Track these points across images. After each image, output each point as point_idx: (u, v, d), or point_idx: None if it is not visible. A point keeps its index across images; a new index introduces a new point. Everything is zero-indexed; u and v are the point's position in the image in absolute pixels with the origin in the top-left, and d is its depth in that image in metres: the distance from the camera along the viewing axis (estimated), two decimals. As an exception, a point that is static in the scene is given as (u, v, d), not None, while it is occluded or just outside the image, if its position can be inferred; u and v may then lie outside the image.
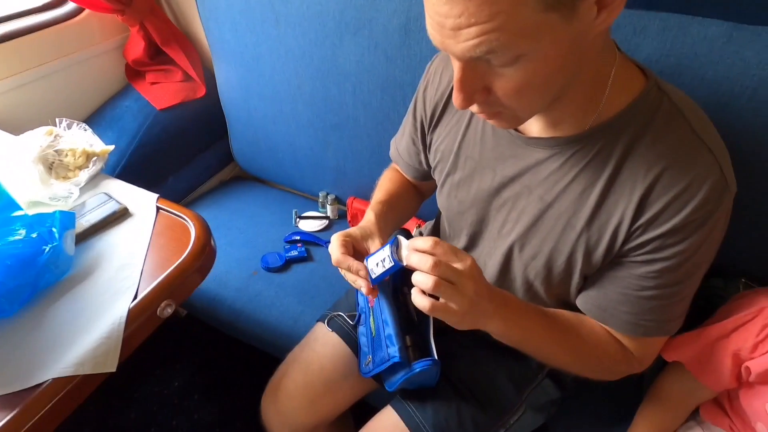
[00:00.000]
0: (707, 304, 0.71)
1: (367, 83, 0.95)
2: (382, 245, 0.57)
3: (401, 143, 0.77)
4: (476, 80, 0.44)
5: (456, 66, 0.43)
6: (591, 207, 0.52)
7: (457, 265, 0.48)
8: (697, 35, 0.65)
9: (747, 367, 0.60)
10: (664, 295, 0.53)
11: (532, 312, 0.56)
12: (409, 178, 0.80)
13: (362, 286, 0.58)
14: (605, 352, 0.58)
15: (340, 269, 0.61)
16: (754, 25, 0.62)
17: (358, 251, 0.62)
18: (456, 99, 0.45)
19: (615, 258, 0.54)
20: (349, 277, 0.60)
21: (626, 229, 0.51)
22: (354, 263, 0.58)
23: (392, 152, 0.80)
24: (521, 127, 0.57)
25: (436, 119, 0.67)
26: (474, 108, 0.48)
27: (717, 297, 0.73)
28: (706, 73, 0.66)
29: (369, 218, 0.67)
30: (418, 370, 0.62)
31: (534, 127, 0.55)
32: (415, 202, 0.83)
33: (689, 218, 0.47)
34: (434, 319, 0.58)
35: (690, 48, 0.66)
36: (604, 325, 0.59)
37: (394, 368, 0.65)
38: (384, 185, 0.79)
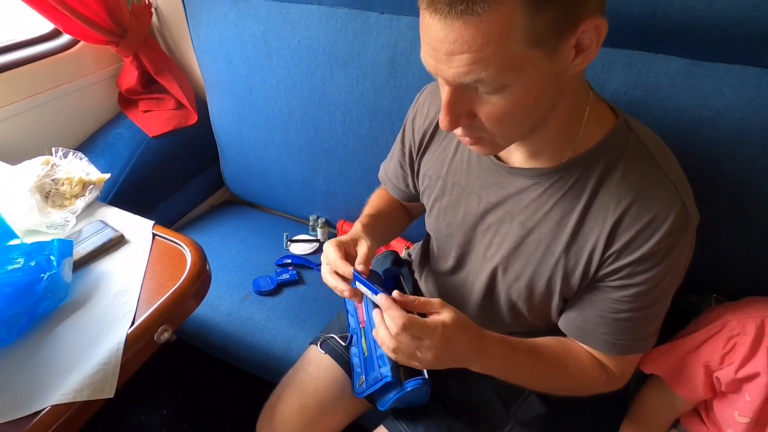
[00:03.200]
0: (681, 319, 0.75)
1: (356, 112, 1.00)
2: (370, 247, 0.62)
3: (389, 167, 0.81)
4: (463, 104, 0.48)
5: (445, 90, 0.47)
6: (568, 233, 0.57)
7: (425, 342, 0.51)
8: (660, 70, 0.72)
9: (717, 377, 0.64)
10: (638, 317, 0.57)
11: (516, 353, 0.59)
12: (397, 198, 0.84)
13: (345, 290, 0.60)
14: (590, 377, 0.62)
15: (328, 280, 0.62)
16: (709, 62, 0.69)
17: (349, 255, 0.64)
18: (443, 120, 0.49)
19: (592, 283, 0.58)
20: (330, 282, 0.62)
21: (599, 255, 0.55)
22: (340, 284, 0.60)
23: (381, 174, 0.84)
24: (504, 157, 0.61)
25: (424, 146, 0.71)
26: (458, 131, 0.52)
27: (691, 312, 0.77)
28: (668, 104, 0.72)
29: (356, 228, 0.71)
30: (409, 389, 0.64)
31: (516, 157, 0.60)
32: (404, 220, 0.86)
33: (656, 247, 0.52)
34: None
35: (654, 82, 0.72)
36: (583, 345, 0.62)
37: (386, 388, 0.67)
38: (373, 201, 0.83)
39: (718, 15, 0.63)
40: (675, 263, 0.54)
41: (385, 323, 0.53)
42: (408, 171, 0.76)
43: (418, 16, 0.86)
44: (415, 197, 0.79)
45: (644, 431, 0.73)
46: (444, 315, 0.53)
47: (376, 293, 0.55)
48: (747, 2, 0.61)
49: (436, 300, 0.55)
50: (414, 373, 0.65)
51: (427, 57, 0.45)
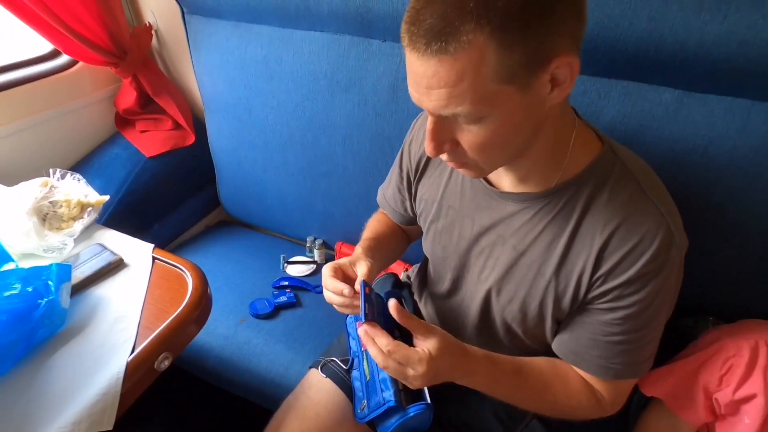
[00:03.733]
0: (679, 342, 0.76)
1: (356, 135, 1.01)
2: (370, 267, 0.64)
3: (388, 191, 0.82)
4: (445, 132, 0.51)
5: (429, 119, 0.50)
6: (558, 256, 0.58)
7: (409, 371, 0.55)
8: (654, 100, 0.74)
9: (716, 399, 0.65)
10: (630, 340, 0.57)
11: (498, 371, 0.60)
12: (395, 222, 0.85)
13: (344, 289, 0.61)
14: (577, 401, 0.62)
15: (330, 298, 0.64)
16: (700, 93, 0.72)
17: (348, 277, 0.66)
18: (427, 147, 0.52)
19: (582, 306, 0.59)
20: (335, 299, 0.63)
21: (588, 278, 0.56)
22: (339, 284, 0.62)
23: (380, 198, 0.85)
24: (495, 182, 0.63)
25: (420, 171, 0.72)
26: (444, 157, 0.55)
27: (688, 335, 0.79)
28: (662, 133, 0.75)
29: (356, 251, 0.71)
30: (412, 414, 0.63)
31: (505, 181, 0.62)
32: (403, 243, 0.87)
33: (642, 270, 0.53)
34: None
35: (648, 111, 0.75)
36: (577, 369, 0.63)
37: (388, 413, 0.66)
38: (372, 225, 0.84)
39: (707, 51, 0.66)
40: (663, 286, 0.54)
41: (374, 342, 0.56)
42: (406, 195, 0.77)
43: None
44: (413, 220, 0.81)
45: (648, 457, 0.73)
46: (429, 343, 0.55)
47: (361, 318, 0.57)
48: (735, 40, 0.64)
49: (423, 324, 0.57)
50: (417, 397, 0.65)
51: (411, 89, 0.49)
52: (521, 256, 0.61)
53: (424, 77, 0.45)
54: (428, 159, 0.71)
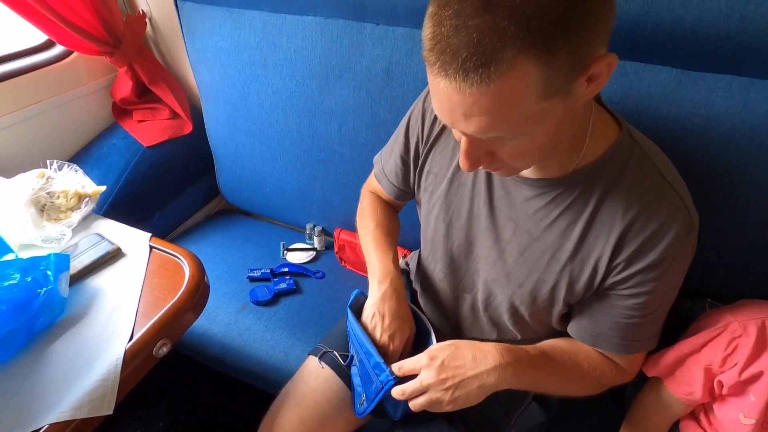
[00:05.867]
0: (677, 323, 0.76)
1: (352, 122, 1.00)
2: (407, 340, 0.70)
3: (388, 163, 0.79)
4: (481, 149, 0.49)
5: (463, 139, 0.48)
6: (574, 242, 0.58)
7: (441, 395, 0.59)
8: (651, 80, 0.73)
9: (719, 381, 0.65)
10: (648, 320, 0.60)
11: (537, 366, 0.62)
12: (387, 196, 0.83)
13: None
14: (601, 371, 0.65)
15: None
16: (699, 72, 0.70)
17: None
18: (463, 165, 0.50)
19: (603, 291, 0.60)
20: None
21: (606, 263, 0.57)
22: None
23: (377, 172, 0.83)
24: None
25: (432, 142, 0.70)
26: (480, 168, 0.53)
27: (686, 317, 0.78)
28: (661, 113, 0.74)
29: (398, 291, 0.72)
30: None
31: None
32: (398, 225, 0.87)
33: (664, 254, 0.54)
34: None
35: (646, 91, 0.74)
36: (595, 348, 0.65)
37: (390, 396, 0.66)
38: (378, 219, 0.82)
39: (706, 28, 0.64)
40: (681, 267, 0.57)
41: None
42: (411, 165, 0.75)
43: (413, 27, 0.88)
44: (406, 196, 0.80)
45: (642, 437, 0.73)
46: (420, 358, 0.60)
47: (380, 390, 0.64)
48: (734, 16, 0.62)
49: (418, 363, 0.61)
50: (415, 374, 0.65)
51: (443, 114, 0.46)
52: (535, 241, 0.61)
53: (461, 106, 0.43)
54: (441, 131, 0.69)
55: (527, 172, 0.60)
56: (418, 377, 0.60)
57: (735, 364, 0.63)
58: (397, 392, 0.61)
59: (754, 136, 0.69)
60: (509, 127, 0.44)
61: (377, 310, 0.69)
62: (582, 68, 0.42)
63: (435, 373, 0.58)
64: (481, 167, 0.53)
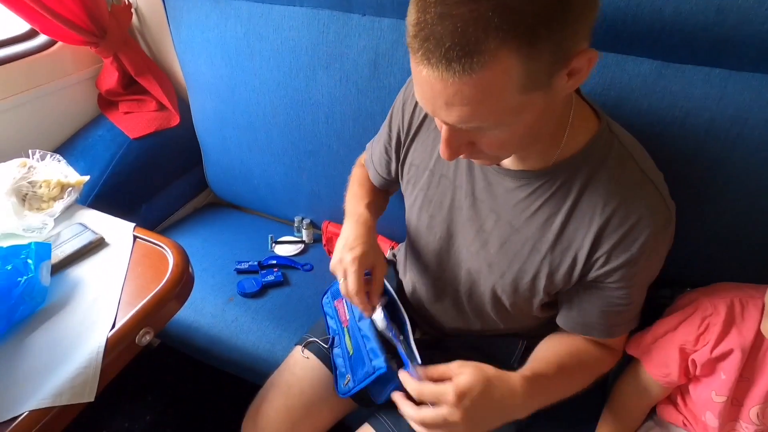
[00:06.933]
0: (656, 312, 0.78)
1: (339, 113, 1.00)
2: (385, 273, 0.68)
3: (375, 150, 0.81)
4: (461, 138, 0.50)
5: (444, 128, 0.49)
6: (554, 233, 0.59)
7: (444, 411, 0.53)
8: (632, 72, 0.74)
9: (693, 360, 0.67)
10: (632, 305, 0.63)
11: (556, 384, 0.62)
12: (374, 184, 0.85)
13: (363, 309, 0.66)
14: (600, 360, 0.68)
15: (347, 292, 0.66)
16: (678, 64, 0.71)
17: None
18: (443, 153, 0.51)
19: (588, 283, 0.61)
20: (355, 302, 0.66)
21: (585, 255, 0.58)
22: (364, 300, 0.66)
23: (366, 158, 0.85)
24: None
25: (413, 134, 0.71)
26: (461, 157, 0.54)
27: (665, 306, 0.80)
28: (641, 105, 0.75)
29: (365, 218, 0.73)
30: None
31: (505, 159, 0.62)
32: (386, 202, 0.88)
33: (644, 247, 0.55)
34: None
35: (626, 83, 0.75)
36: (587, 337, 0.67)
37: (380, 380, 0.67)
38: (365, 186, 0.84)
39: (684, 19, 0.65)
40: (660, 255, 0.59)
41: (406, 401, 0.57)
42: (393, 156, 0.76)
43: (399, 18, 0.88)
44: (392, 185, 0.81)
45: (620, 419, 0.75)
46: (460, 379, 0.53)
47: (406, 365, 0.60)
48: (711, 7, 0.63)
49: (445, 368, 0.56)
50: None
51: (424, 102, 0.46)
52: (516, 232, 0.62)
53: (443, 94, 0.43)
54: (422, 122, 0.70)
55: (509, 164, 0.61)
56: (439, 411, 0.53)
57: (707, 343, 0.65)
58: (412, 415, 0.56)
59: (732, 126, 0.70)
60: (489, 118, 0.44)
61: (345, 243, 0.68)
62: (563, 62, 0.42)
63: (461, 413, 0.52)
64: (461, 156, 0.53)
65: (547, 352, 0.67)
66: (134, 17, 1.20)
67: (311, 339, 0.83)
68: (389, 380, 0.66)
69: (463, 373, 0.54)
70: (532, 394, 0.58)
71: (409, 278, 0.82)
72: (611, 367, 0.70)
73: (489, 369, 0.56)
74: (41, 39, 1.09)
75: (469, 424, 0.53)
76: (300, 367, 0.81)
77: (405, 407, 0.56)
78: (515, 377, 0.58)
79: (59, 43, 1.11)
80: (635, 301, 0.62)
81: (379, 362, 0.65)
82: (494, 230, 0.64)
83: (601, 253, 0.57)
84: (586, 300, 0.63)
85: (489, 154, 0.52)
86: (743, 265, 0.79)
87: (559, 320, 0.68)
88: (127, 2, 1.16)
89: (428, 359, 0.64)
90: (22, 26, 1.07)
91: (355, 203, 0.78)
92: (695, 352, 0.66)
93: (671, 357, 0.68)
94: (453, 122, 0.46)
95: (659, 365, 0.69)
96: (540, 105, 0.45)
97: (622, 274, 0.57)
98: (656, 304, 0.82)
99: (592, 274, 0.59)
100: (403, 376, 0.58)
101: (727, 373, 0.65)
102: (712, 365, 0.66)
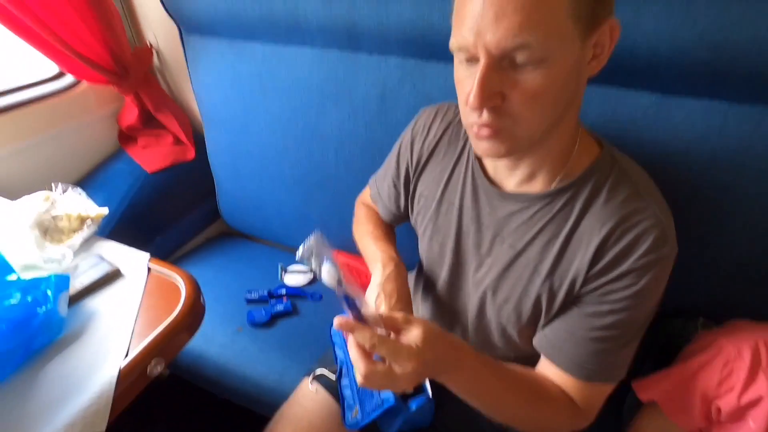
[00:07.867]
0: (668, 344, 0.76)
1: (348, 146, 1.04)
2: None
3: (383, 185, 0.82)
4: (496, 82, 0.47)
5: (480, 66, 0.47)
6: (554, 255, 0.59)
7: (396, 369, 0.49)
8: (633, 105, 0.76)
9: (717, 407, 0.64)
10: (607, 338, 0.57)
11: (488, 372, 0.57)
12: (383, 218, 0.86)
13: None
14: (555, 407, 0.60)
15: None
16: (678, 96, 0.73)
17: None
18: (474, 98, 0.47)
19: (577, 299, 0.60)
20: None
21: (583, 275, 0.58)
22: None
23: (373, 193, 0.86)
24: (498, 182, 0.65)
25: (421, 167, 0.73)
26: (484, 117, 0.50)
27: (677, 336, 0.79)
28: (644, 136, 0.76)
29: (395, 276, 0.69)
30: (414, 409, 0.63)
31: (510, 182, 0.63)
32: (395, 234, 0.88)
33: (634, 265, 0.54)
34: None
35: (628, 116, 0.76)
36: (551, 366, 0.61)
37: (388, 413, 0.66)
38: (375, 222, 0.85)
39: (680, 55, 0.67)
40: (650, 285, 0.54)
41: (356, 344, 0.50)
42: (402, 191, 0.78)
43: (404, 56, 0.92)
44: (401, 219, 0.82)
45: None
46: (413, 335, 0.50)
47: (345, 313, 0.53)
48: (705, 44, 0.65)
49: (398, 317, 0.52)
50: (416, 391, 0.65)
51: (465, 29, 0.46)
52: (519, 255, 0.62)
53: (495, 4, 0.43)
54: (430, 155, 0.71)
55: (514, 187, 0.62)
56: (397, 348, 0.49)
57: (732, 388, 0.63)
58: (362, 369, 0.50)
59: (734, 157, 0.71)
60: (538, 32, 0.44)
61: (382, 290, 0.67)
62: (596, 22, 0.46)
63: (416, 364, 0.49)
64: (485, 117, 0.50)
65: (508, 363, 0.62)
66: (155, 58, 1.26)
67: (320, 372, 0.82)
68: (398, 412, 0.65)
69: (412, 329, 0.51)
70: (474, 365, 0.55)
71: (422, 312, 0.82)
72: (571, 428, 0.61)
73: (437, 327, 0.52)
74: (68, 79, 1.16)
75: (415, 374, 0.49)
76: (309, 399, 0.81)
77: (359, 361, 0.50)
78: (466, 346, 0.55)
79: (84, 83, 1.17)
80: (608, 337, 0.56)
81: (388, 394, 0.65)
82: (498, 255, 0.64)
83: (595, 270, 0.56)
84: (560, 316, 0.60)
85: (515, 116, 0.49)
86: (752, 294, 0.78)
87: (534, 339, 0.64)
88: (149, 44, 1.23)
89: (437, 392, 0.64)
90: (50, 68, 1.14)
91: (382, 246, 0.76)
92: (718, 397, 0.64)
93: (691, 402, 0.65)
94: (498, 40, 0.44)
95: (679, 409, 0.67)
96: (574, 53, 0.47)
97: (604, 291, 0.55)
98: (668, 334, 0.81)
99: (584, 290, 0.58)
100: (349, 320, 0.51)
101: (756, 421, 0.62)
102: (740, 412, 0.64)
